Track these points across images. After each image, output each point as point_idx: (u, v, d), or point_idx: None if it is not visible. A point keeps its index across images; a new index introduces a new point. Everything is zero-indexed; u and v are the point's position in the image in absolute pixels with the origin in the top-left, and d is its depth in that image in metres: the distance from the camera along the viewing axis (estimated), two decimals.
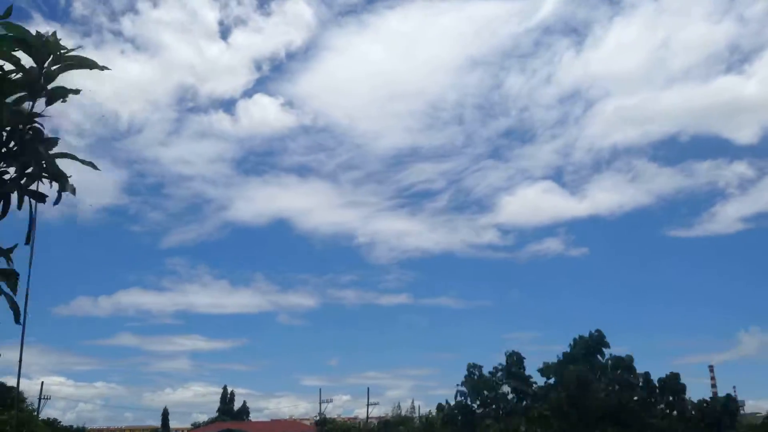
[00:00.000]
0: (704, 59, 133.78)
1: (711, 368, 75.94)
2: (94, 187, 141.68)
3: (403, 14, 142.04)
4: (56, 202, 3.48)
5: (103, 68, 3.38)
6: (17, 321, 3.42)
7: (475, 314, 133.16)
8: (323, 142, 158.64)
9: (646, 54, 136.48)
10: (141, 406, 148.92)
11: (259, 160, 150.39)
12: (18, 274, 3.42)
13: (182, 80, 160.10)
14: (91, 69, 3.37)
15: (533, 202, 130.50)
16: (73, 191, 3.53)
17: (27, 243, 3.58)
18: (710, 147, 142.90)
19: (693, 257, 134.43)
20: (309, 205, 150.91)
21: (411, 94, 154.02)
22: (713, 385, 70.83)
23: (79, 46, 3.26)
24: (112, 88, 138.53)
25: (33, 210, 3.62)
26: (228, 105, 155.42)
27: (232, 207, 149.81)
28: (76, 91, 3.34)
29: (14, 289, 3.46)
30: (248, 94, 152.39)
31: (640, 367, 37.08)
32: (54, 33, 3.17)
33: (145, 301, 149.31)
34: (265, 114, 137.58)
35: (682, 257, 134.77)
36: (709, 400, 34.56)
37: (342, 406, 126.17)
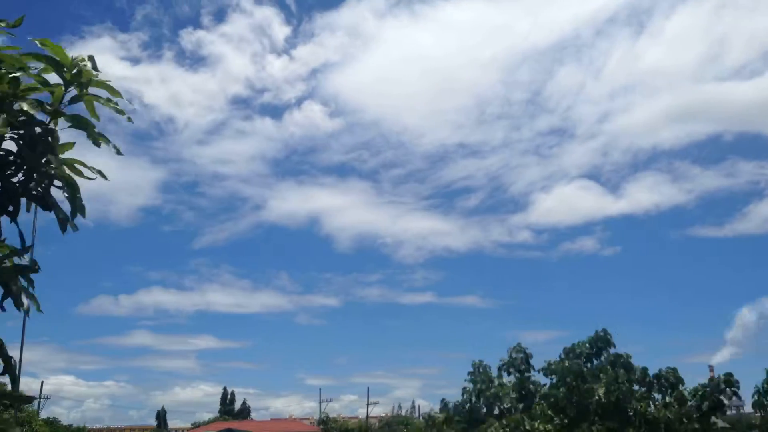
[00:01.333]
0: (762, 55, 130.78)
1: (711, 368, 76.04)
2: (130, 186, 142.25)
3: (458, 4, 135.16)
4: (73, 213, 3.48)
5: (130, 102, 3.49)
6: (39, 310, 3.49)
7: (499, 313, 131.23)
8: (367, 139, 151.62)
9: (703, 48, 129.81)
10: (149, 406, 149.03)
11: (299, 159, 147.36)
12: (34, 269, 3.45)
13: (238, 90, 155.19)
14: (108, 101, 3.42)
15: (569, 201, 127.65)
16: (82, 210, 3.53)
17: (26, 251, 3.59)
18: (755, 146, 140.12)
19: (722, 257, 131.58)
20: (343, 204, 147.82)
21: (460, 88, 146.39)
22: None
23: (108, 81, 3.32)
24: (168, 93, 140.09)
25: (35, 216, 3.63)
26: (276, 108, 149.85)
27: (266, 207, 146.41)
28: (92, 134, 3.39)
29: (31, 283, 3.49)
30: (299, 96, 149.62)
31: (653, 365, 37.90)
32: (91, 57, 3.22)
33: (164, 300, 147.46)
34: (308, 112, 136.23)
35: (711, 257, 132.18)
36: (706, 383, 34.57)
37: (348, 405, 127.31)
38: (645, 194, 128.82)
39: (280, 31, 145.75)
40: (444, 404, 36.66)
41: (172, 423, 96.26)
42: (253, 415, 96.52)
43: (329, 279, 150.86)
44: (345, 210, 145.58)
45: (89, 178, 3.58)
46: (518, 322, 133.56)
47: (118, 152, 3.52)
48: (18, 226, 3.39)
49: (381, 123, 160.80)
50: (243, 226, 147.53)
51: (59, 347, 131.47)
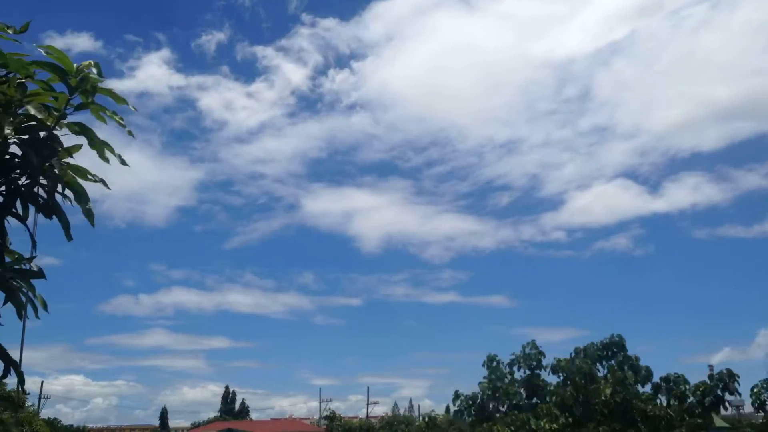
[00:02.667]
0: None
1: (711, 368, 75.94)
2: (168, 186, 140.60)
3: None
4: (88, 217, 3.49)
5: (134, 109, 3.49)
6: (46, 310, 3.51)
7: (523, 313, 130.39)
8: (412, 136, 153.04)
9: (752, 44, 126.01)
10: (157, 405, 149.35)
11: (340, 158, 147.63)
12: (39, 275, 3.47)
13: (286, 89, 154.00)
14: (114, 114, 3.44)
15: (606, 200, 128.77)
16: (90, 217, 3.54)
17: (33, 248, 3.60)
18: None
19: (748, 257, 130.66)
20: (377, 204, 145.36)
21: (511, 83, 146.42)
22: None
23: (112, 89, 3.34)
24: (221, 101, 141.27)
25: (34, 221, 3.64)
26: (320, 105, 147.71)
27: (300, 207, 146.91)
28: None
29: (32, 289, 3.51)
30: (343, 91, 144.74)
31: (674, 365, 37.75)
32: (96, 63, 3.23)
33: (185, 300, 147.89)
34: (351, 108, 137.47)
35: (738, 258, 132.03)
36: (707, 381, 34.60)
37: (354, 405, 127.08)
38: (683, 194, 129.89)
39: (334, 31, 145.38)
40: (456, 396, 36.54)
41: (175, 422, 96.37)
42: (256, 414, 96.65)
43: (354, 279, 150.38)
44: (378, 210, 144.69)
45: (93, 180, 3.59)
46: (543, 322, 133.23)
47: (123, 162, 3.53)
48: (28, 229, 3.41)
49: (427, 119, 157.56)
50: (275, 226, 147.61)
51: (73, 346, 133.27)
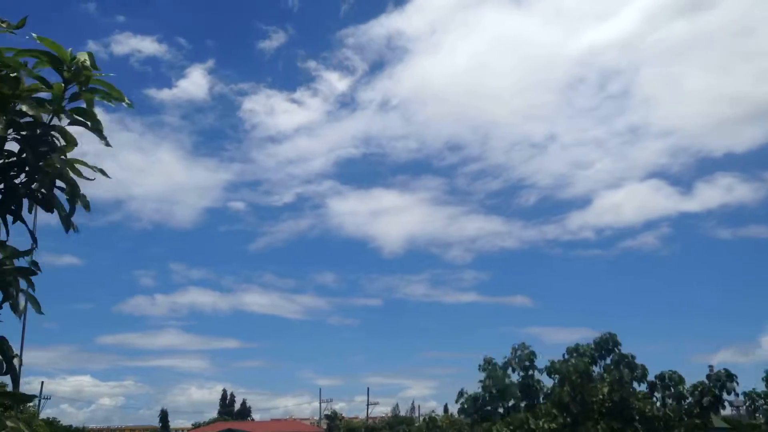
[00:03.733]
0: None
1: (711, 368, 75.93)
2: (198, 187, 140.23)
3: None
4: (70, 213, 3.48)
5: (129, 104, 3.48)
6: (39, 312, 3.50)
7: (543, 312, 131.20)
8: (449, 133, 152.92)
9: None
10: (163, 406, 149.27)
11: (375, 158, 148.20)
12: (34, 272, 3.45)
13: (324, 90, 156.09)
14: (116, 100, 3.42)
15: (634, 200, 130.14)
16: (86, 206, 3.52)
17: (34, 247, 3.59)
18: None
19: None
20: (405, 204, 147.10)
21: (554, 79, 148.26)
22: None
23: (111, 74, 3.32)
24: (257, 103, 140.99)
25: (35, 218, 3.62)
26: (355, 102, 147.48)
27: (328, 208, 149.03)
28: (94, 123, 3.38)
29: (31, 285, 3.51)
30: (380, 86, 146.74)
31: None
32: (90, 54, 3.22)
33: (201, 301, 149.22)
34: (386, 106, 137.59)
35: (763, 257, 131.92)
36: (705, 381, 34.65)
37: (359, 405, 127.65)
38: (714, 194, 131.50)
39: (376, 26, 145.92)
40: (460, 394, 36.58)
41: (180, 423, 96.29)
42: (261, 415, 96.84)
43: (374, 279, 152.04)
44: (405, 211, 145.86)
45: (88, 179, 3.57)
46: (562, 322, 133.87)
47: (107, 144, 3.50)
48: (27, 226, 3.40)
49: (465, 116, 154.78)
50: (300, 227, 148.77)
51: (84, 347, 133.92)
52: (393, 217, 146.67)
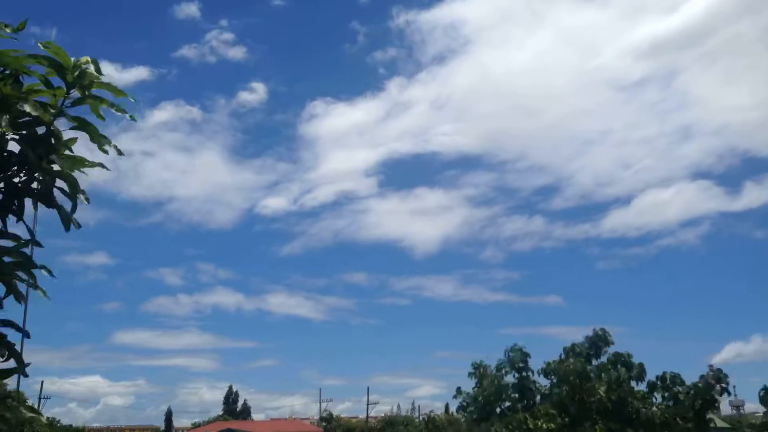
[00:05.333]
0: None
1: (711, 367, 75.86)
2: (240, 188, 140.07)
3: None
4: (72, 210, 3.55)
5: (132, 117, 3.56)
6: (46, 296, 3.56)
7: (571, 311, 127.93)
8: (499, 131, 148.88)
9: None
10: (173, 405, 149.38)
11: (424, 157, 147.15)
12: (35, 265, 3.52)
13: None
14: (119, 111, 3.50)
15: (678, 200, 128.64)
16: (86, 199, 3.60)
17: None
18: None
19: None
20: (448, 203, 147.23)
21: (615, 77, 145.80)
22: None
23: (110, 83, 3.40)
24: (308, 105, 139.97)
25: (34, 216, 3.69)
26: (410, 102, 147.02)
27: (370, 210, 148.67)
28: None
29: (33, 278, 3.57)
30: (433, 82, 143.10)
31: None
32: (94, 60, 3.30)
33: (226, 302, 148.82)
34: (441, 102, 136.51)
35: None
36: (699, 381, 34.65)
37: (363, 405, 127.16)
38: (759, 195, 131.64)
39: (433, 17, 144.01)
40: (458, 392, 36.61)
41: (184, 422, 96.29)
42: (264, 414, 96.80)
43: (405, 280, 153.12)
44: (444, 210, 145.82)
45: (83, 171, 3.64)
46: (592, 321, 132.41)
47: (119, 152, 3.59)
48: (27, 226, 3.46)
49: (523, 111, 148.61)
50: (337, 228, 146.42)
51: (98, 346, 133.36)
52: (432, 217, 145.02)
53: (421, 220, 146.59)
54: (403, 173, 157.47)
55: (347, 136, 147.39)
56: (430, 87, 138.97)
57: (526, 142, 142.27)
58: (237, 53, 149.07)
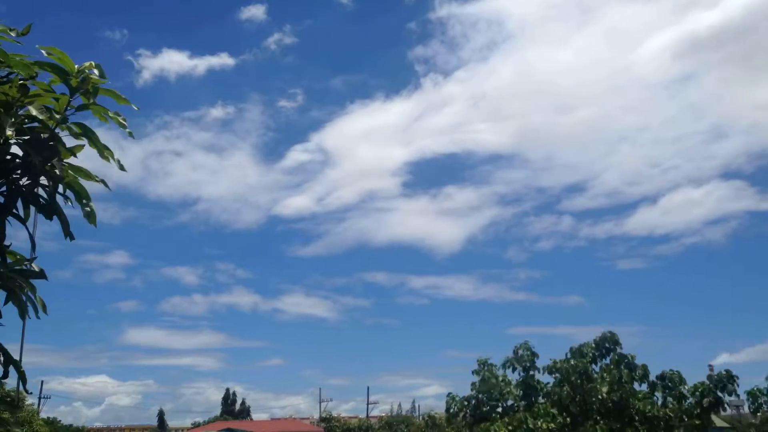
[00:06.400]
0: None
1: (711, 368, 75.87)
2: (267, 188, 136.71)
3: None
4: (86, 216, 3.51)
5: (130, 133, 3.53)
6: (45, 311, 3.54)
7: (591, 311, 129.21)
8: (541, 129, 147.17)
9: None
10: (177, 405, 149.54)
11: (457, 155, 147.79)
12: (39, 276, 3.49)
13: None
14: (118, 123, 3.46)
15: (707, 199, 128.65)
16: (93, 219, 3.55)
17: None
18: None
19: None
20: (476, 203, 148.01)
21: (656, 74, 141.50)
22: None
23: (113, 89, 3.36)
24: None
25: (34, 222, 3.66)
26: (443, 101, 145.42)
27: (397, 209, 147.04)
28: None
29: (33, 289, 3.53)
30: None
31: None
32: (98, 65, 3.26)
33: (240, 302, 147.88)
34: (476, 99, 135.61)
35: None
36: (705, 382, 34.70)
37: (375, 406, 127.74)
38: None
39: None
40: (451, 397, 36.63)
41: (187, 422, 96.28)
42: (265, 414, 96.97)
43: (426, 280, 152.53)
44: (472, 209, 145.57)
45: (89, 177, 3.60)
46: (613, 320, 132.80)
47: (121, 168, 3.55)
48: (28, 230, 3.43)
49: (557, 111, 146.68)
50: (362, 228, 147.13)
51: (109, 345, 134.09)
52: (459, 216, 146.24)
53: (448, 220, 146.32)
54: (433, 172, 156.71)
55: (379, 134, 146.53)
56: (467, 84, 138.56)
57: (561, 140, 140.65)
58: (279, 51, 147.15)
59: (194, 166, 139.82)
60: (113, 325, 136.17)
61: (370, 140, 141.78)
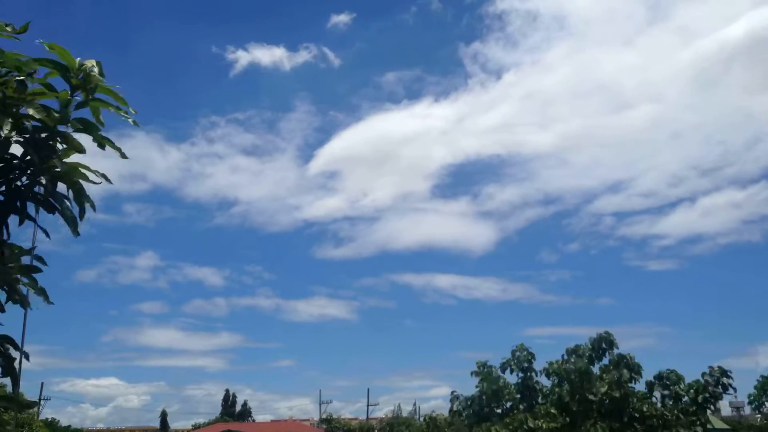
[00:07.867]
0: None
1: (710, 368, 75.68)
2: (304, 191, 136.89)
3: None
4: (80, 215, 3.54)
5: (135, 112, 3.56)
6: (48, 302, 3.56)
7: (618, 312, 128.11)
8: (576, 131, 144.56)
9: None
10: (181, 406, 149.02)
11: (498, 156, 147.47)
12: (38, 270, 3.51)
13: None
14: (118, 109, 3.49)
15: (746, 203, 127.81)
16: (92, 206, 3.58)
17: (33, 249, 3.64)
18: None
19: None
20: (518, 202, 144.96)
21: (702, 76, 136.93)
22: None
23: (116, 86, 3.39)
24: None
25: (36, 219, 3.69)
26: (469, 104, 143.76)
27: (430, 211, 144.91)
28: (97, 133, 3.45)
29: (35, 286, 3.56)
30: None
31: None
32: (98, 62, 3.29)
33: (262, 304, 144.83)
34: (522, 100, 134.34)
35: None
36: (699, 380, 34.67)
37: (378, 407, 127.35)
38: None
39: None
40: (454, 396, 36.63)
41: (188, 423, 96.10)
42: (269, 415, 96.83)
43: (452, 281, 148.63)
44: (509, 210, 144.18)
45: (93, 182, 3.62)
46: (635, 319, 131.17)
47: (123, 156, 3.57)
48: (36, 223, 3.46)
49: (608, 111, 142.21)
50: (390, 230, 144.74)
51: (123, 346, 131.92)
52: (495, 217, 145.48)
53: (485, 221, 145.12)
54: (475, 173, 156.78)
55: (423, 135, 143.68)
56: (518, 84, 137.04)
57: (610, 141, 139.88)
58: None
59: (233, 168, 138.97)
60: (132, 326, 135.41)
61: (413, 141, 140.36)
